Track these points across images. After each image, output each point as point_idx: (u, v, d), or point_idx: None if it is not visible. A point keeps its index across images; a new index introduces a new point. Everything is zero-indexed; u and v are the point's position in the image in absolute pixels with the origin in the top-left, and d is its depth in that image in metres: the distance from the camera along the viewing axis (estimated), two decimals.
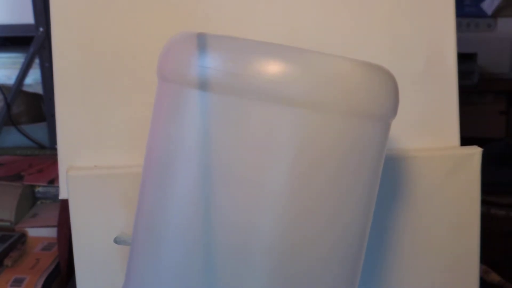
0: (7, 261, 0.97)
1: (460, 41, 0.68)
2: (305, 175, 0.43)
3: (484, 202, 0.68)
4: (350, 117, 0.44)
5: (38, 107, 1.53)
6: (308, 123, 0.43)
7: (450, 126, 0.68)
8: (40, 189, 1.21)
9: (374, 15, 0.67)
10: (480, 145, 0.67)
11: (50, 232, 1.06)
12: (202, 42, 0.44)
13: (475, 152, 0.67)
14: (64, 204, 0.79)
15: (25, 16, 1.40)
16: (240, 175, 0.43)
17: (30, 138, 1.42)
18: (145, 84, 0.62)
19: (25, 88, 1.48)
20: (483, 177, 0.67)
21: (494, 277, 0.96)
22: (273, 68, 0.42)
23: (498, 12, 1.70)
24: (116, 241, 0.55)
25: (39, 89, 1.48)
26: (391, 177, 0.65)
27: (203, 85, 0.43)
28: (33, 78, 1.47)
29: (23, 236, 1.06)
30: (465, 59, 1.66)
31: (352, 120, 0.44)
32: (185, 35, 0.47)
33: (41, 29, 1.38)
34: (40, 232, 1.08)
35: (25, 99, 1.50)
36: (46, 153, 1.37)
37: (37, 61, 1.42)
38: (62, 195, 0.63)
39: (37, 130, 1.44)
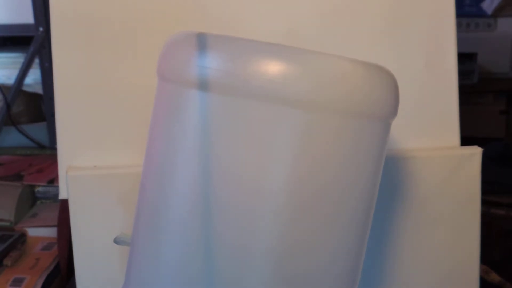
0: (7, 261, 0.97)
1: (460, 41, 0.68)
2: (305, 175, 0.43)
3: (484, 202, 0.68)
4: (350, 117, 0.44)
5: (38, 107, 1.53)
6: (308, 123, 0.43)
7: (450, 126, 0.68)
8: (40, 189, 1.21)
9: (374, 15, 0.67)
10: (480, 145, 0.67)
11: (50, 232, 1.06)
12: (202, 42, 0.44)
13: (475, 152, 0.67)
14: (64, 204, 0.79)
15: (25, 16, 1.40)
16: (240, 175, 0.43)
17: (30, 138, 1.42)
18: (145, 84, 0.62)
19: (25, 88, 1.48)
20: (483, 177, 0.67)
21: (494, 277, 0.96)
22: (273, 68, 0.42)
23: (498, 12, 1.70)
24: (116, 241, 0.55)
25: (39, 89, 1.48)
26: (391, 177, 0.65)
27: (203, 85, 0.43)
28: (33, 78, 1.47)
29: (23, 236, 1.06)
30: (465, 59, 1.66)
31: (352, 120, 0.44)
32: (184, 35, 0.47)
33: (41, 29, 1.38)
34: (40, 232, 1.08)
35: (25, 99, 1.50)
36: (46, 153, 1.37)
37: (37, 61, 1.42)
38: (62, 195, 0.63)
39: (37, 130, 1.44)
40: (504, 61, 1.72)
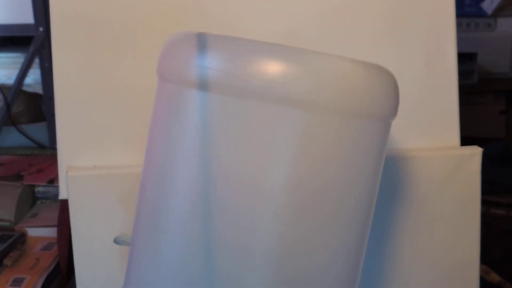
0: (7, 261, 0.97)
1: (460, 41, 0.68)
2: (305, 175, 0.43)
3: (484, 202, 0.68)
4: (350, 117, 0.44)
5: (38, 107, 1.53)
6: (308, 123, 0.43)
7: (450, 126, 0.68)
8: (40, 189, 1.21)
9: (374, 15, 0.67)
10: (480, 145, 0.67)
11: (50, 232, 1.06)
12: (202, 42, 0.44)
13: (475, 152, 0.67)
14: (64, 204, 0.79)
15: (25, 16, 1.40)
16: (240, 175, 0.43)
17: (30, 138, 1.42)
18: (145, 84, 0.62)
19: (25, 88, 1.48)
20: (483, 177, 0.67)
21: (494, 277, 0.96)
22: (273, 68, 0.42)
23: (498, 12, 1.70)
24: (116, 241, 0.55)
25: (39, 89, 1.48)
26: (391, 177, 0.65)
27: (203, 86, 0.43)
28: (33, 78, 1.47)
29: (23, 236, 1.06)
30: (465, 59, 1.66)
31: (352, 120, 0.44)
32: (184, 35, 0.47)
33: (41, 29, 1.38)
34: (40, 232, 1.08)
35: (25, 99, 1.50)
36: (46, 153, 1.37)
37: (37, 61, 1.42)
38: (62, 195, 0.63)
39: (37, 130, 1.44)
40: (504, 61, 1.72)
